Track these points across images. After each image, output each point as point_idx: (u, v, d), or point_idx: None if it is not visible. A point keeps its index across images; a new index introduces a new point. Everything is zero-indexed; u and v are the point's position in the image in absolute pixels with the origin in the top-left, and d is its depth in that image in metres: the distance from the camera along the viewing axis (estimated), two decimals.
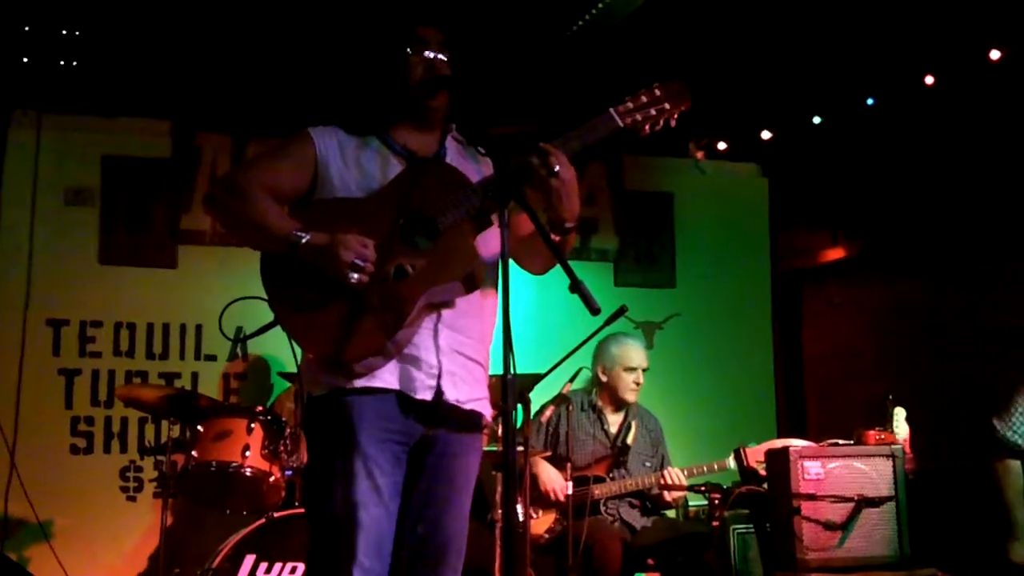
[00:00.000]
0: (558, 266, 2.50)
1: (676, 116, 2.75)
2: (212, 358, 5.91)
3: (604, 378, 5.23)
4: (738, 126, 6.66)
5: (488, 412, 2.85)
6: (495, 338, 2.85)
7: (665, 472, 4.96)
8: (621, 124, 2.72)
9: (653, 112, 2.72)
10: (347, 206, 2.74)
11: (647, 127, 2.73)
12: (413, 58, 2.82)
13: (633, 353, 5.18)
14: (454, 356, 2.74)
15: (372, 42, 2.94)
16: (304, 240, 2.63)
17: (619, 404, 5.23)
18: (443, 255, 2.67)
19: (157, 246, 5.89)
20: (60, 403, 5.67)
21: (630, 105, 2.72)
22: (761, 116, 6.54)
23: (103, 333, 5.77)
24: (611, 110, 2.72)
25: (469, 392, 2.77)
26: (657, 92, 2.73)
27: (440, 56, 2.84)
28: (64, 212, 5.80)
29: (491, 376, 2.87)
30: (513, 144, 2.76)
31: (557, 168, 2.62)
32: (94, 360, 5.74)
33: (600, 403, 5.23)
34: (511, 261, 2.54)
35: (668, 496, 5.02)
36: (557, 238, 2.69)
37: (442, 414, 2.73)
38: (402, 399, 2.69)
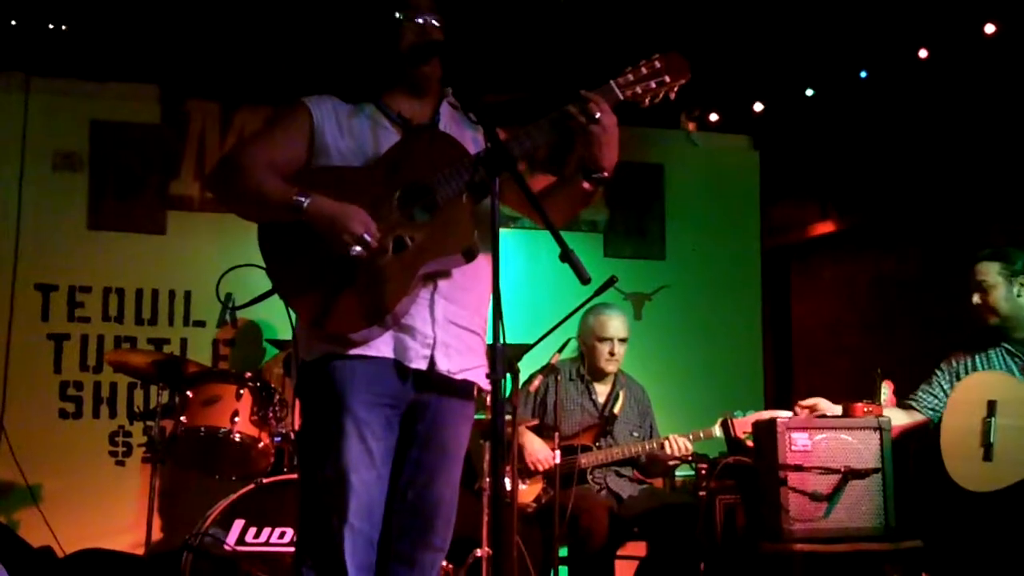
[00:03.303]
0: (549, 237, 2.50)
1: (676, 89, 2.74)
2: (201, 324, 5.91)
3: (584, 349, 5.24)
4: (730, 98, 6.65)
5: (483, 381, 2.86)
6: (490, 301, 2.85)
7: (668, 439, 4.97)
8: (621, 96, 2.71)
9: (653, 85, 2.71)
10: (344, 174, 2.74)
11: (647, 100, 2.73)
12: (404, 23, 2.81)
13: (608, 323, 5.16)
14: (449, 327, 2.75)
15: (363, 7, 2.92)
16: (306, 203, 2.62)
17: (599, 374, 5.23)
18: (442, 228, 2.67)
19: (146, 212, 5.88)
20: (49, 368, 5.68)
21: (630, 77, 2.71)
22: (753, 88, 6.53)
23: (92, 298, 5.77)
24: (611, 82, 2.71)
25: (462, 362, 2.78)
26: (657, 64, 2.71)
27: (432, 20, 2.82)
28: (52, 177, 5.78)
29: None
30: (506, 112, 2.75)
31: (598, 115, 2.62)
32: (83, 325, 5.74)
33: (587, 373, 5.24)
34: (510, 234, 2.54)
35: (670, 461, 5.03)
36: (591, 187, 2.71)
37: (435, 382, 2.75)
38: (397, 367, 2.70)
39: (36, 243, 5.68)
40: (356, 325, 2.64)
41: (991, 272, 4.40)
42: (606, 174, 2.70)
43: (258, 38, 5.68)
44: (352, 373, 2.67)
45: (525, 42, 5.68)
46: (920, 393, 4.53)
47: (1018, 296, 4.37)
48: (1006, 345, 4.40)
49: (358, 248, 2.60)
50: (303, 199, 2.62)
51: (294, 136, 2.78)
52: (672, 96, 2.75)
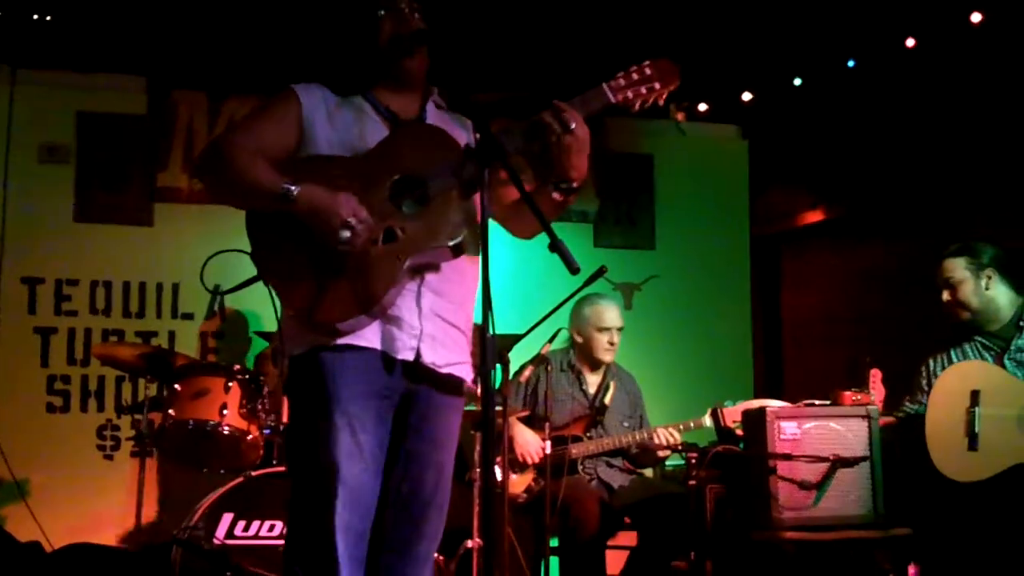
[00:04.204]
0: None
1: (665, 96, 2.77)
2: (189, 316, 5.89)
3: (579, 339, 5.23)
4: (719, 88, 6.65)
5: (469, 376, 2.87)
6: (475, 300, 2.85)
7: (658, 432, 4.98)
8: (613, 100, 2.74)
9: (644, 91, 2.74)
10: (334, 164, 2.73)
11: (637, 104, 2.76)
12: (384, 16, 2.80)
13: (605, 313, 5.18)
14: (435, 320, 2.75)
15: (345, 2, 2.91)
16: (296, 191, 2.61)
17: (595, 364, 5.24)
18: (432, 220, 2.67)
19: (133, 204, 5.85)
20: (36, 361, 5.65)
21: (622, 82, 2.74)
22: (742, 78, 6.53)
23: (79, 291, 5.74)
24: (604, 85, 2.74)
25: (448, 356, 2.78)
26: (648, 71, 2.75)
27: (412, 13, 2.81)
28: (39, 169, 5.75)
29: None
30: (496, 110, 2.76)
31: (572, 125, 2.64)
32: (70, 319, 5.72)
33: (578, 363, 5.24)
34: (499, 226, 2.55)
35: (660, 452, 5.04)
36: (560, 197, 2.73)
37: (421, 375, 2.75)
38: (384, 358, 2.70)
39: (22, 236, 5.66)
40: (343, 315, 2.64)
41: (958, 268, 4.42)
42: (575, 184, 2.73)
43: (245, 27, 5.65)
44: (342, 365, 2.67)
45: (514, 39, 5.65)
46: (906, 404, 4.55)
47: (987, 289, 4.38)
48: (980, 339, 4.42)
49: (346, 234, 2.59)
50: (293, 188, 2.61)
51: (283, 123, 2.77)
52: (660, 103, 2.79)
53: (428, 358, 2.73)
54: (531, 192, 2.77)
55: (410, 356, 2.71)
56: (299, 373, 2.74)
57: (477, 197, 2.67)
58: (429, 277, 2.74)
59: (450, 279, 2.78)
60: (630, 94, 2.73)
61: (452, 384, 2.83)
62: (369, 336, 2.68)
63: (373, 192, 2.67)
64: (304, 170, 2.69)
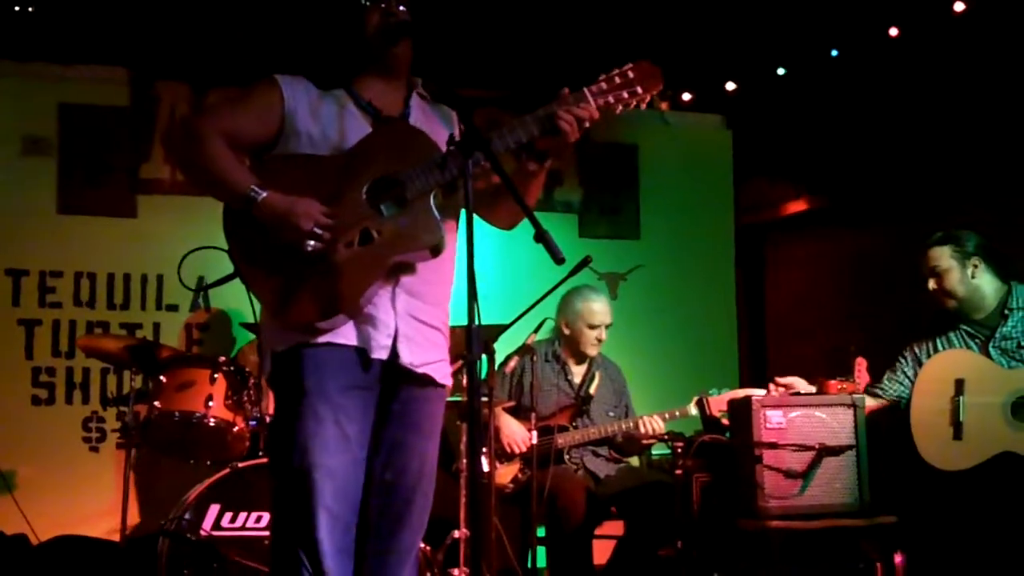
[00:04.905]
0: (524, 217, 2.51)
1: (648, 99, 2.77)
2: (174, 308, 5.87)
3: (567, 331, 5.23)
4: (703, 77, 6.65)
5: (446, 375, 2.87)
6: (459, 289, 2.85)
7: (642, 420, 4.99)
8: (594, 104, 2.74)
9: (625, 95, 2.75)
10: (313, 164, 2.72)
11: (619, 109, 2.77)
12: (369, 8, 2.79)
13: (596, 309, 5.18)
14: (409, 320, 2.75)
15: None
16: (260, 198, 2.61)
17: (581, 357, 5.25)
18: (410, 223, 2.68)
19: (116, 195, 5.82)
20: (20, 354, 5.63)
21: (604, 86, 2.74)
22: (726, 67, 6.53)
23: (63, 283, 5.72)
24: (585, 90, 2.74)
25: (424, 356, 2.79)
26: (630, 74, 2.75)
27: (396, 4, 2.80)
28: (22, 161, 5.72)
29: (455, 327, 2.87)
30: (480, 102, 2.76)
31: (588, 125, 2.69)
32: (54, 311, 5.69)
33: (563, 354, 5.25)
34: (477, 217, 2.56)
35: (644, 440, 5.06)
36: (535, 166, 2.75)
37: (398, 373, 2.75)
38: (362, 355, 2.70)
39: (6, 228, 5.63)
40: (320, 315, 2.64)
41: (943, 256, 4.44)
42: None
43: (228, 18, 5.62)
44: (324, 360, 2.67)
45: (494, 29, 5.63)
46: (885, 382, 4.57)
47: (972, 278, 4.40)
48: (965, 327, 4.44)
49: (312, 243, 2.59)
50: (258, 194, 2.61)
51: (262, 114, 2.76)
52: (643, 106, 2.79)
53: (405, 359, 2.73)
54: (493, 186, 2.80)
55: (384, 355, 2.71)
56: (283, 368, 2.74)
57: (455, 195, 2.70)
58: (404, 278, 2.74)
59: (427, 279, 2.78)
60: (611, 99, 2.74)
61: (430, 382, 2.84)
62: (347, 333, 2.69)
63: (350, 192, 2.67)
64: (280, 168, 2.69)
